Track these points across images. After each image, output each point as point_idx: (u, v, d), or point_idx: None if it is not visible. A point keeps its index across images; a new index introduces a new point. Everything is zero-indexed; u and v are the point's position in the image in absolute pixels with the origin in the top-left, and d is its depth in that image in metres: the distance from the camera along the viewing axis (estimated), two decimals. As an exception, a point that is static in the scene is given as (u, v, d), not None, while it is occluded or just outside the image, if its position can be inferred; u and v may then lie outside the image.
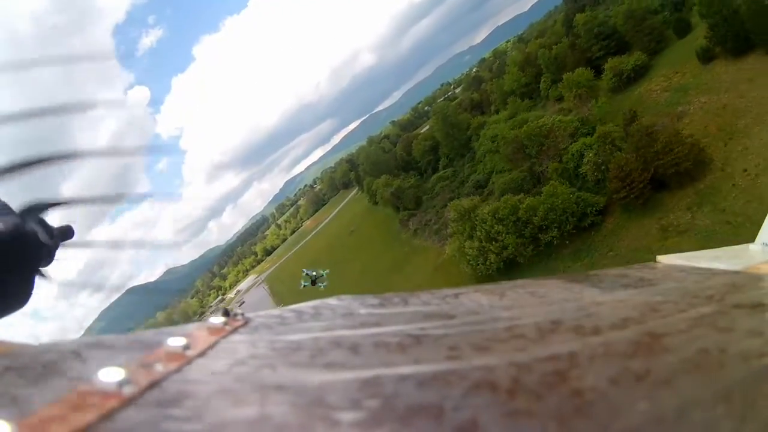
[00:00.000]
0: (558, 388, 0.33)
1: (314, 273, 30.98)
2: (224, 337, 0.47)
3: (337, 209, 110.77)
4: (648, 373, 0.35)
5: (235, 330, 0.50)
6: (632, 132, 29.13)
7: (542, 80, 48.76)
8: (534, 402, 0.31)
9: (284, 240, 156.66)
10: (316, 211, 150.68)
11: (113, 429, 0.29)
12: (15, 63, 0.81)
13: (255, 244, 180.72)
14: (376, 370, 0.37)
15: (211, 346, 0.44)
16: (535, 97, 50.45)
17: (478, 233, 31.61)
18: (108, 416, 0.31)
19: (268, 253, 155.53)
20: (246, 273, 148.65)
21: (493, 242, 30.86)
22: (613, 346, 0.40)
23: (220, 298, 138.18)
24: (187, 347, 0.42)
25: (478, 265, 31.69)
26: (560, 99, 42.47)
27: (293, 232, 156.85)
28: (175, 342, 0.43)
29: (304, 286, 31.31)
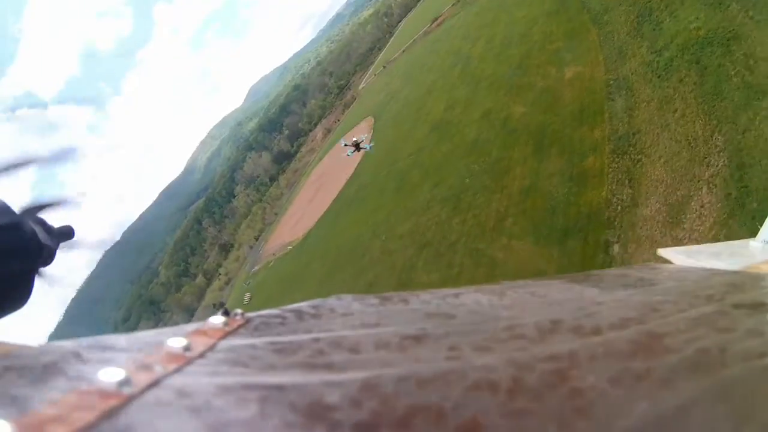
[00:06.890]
0: (558, 388, 0.33)
1: (356, 140, 32.65)
2: (224, 337, 0.47)
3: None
4: (648, 373, 0.35)
5: (234, 330, 0.49)
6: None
7: None
8: (534, 402, 0.31)
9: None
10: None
11: (113, 429, 0.29)
12: None
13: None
14: (376, 370, 0.37)
15: (211, 347, 0.44)
16: None
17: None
18: (108, 416, 0.30)
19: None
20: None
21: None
22: (613, 346, 0.39)
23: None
24: (187, 348, 0.42)
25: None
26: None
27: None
28: (175, 342, 0.42)
29: (348, 156, 34.12)
